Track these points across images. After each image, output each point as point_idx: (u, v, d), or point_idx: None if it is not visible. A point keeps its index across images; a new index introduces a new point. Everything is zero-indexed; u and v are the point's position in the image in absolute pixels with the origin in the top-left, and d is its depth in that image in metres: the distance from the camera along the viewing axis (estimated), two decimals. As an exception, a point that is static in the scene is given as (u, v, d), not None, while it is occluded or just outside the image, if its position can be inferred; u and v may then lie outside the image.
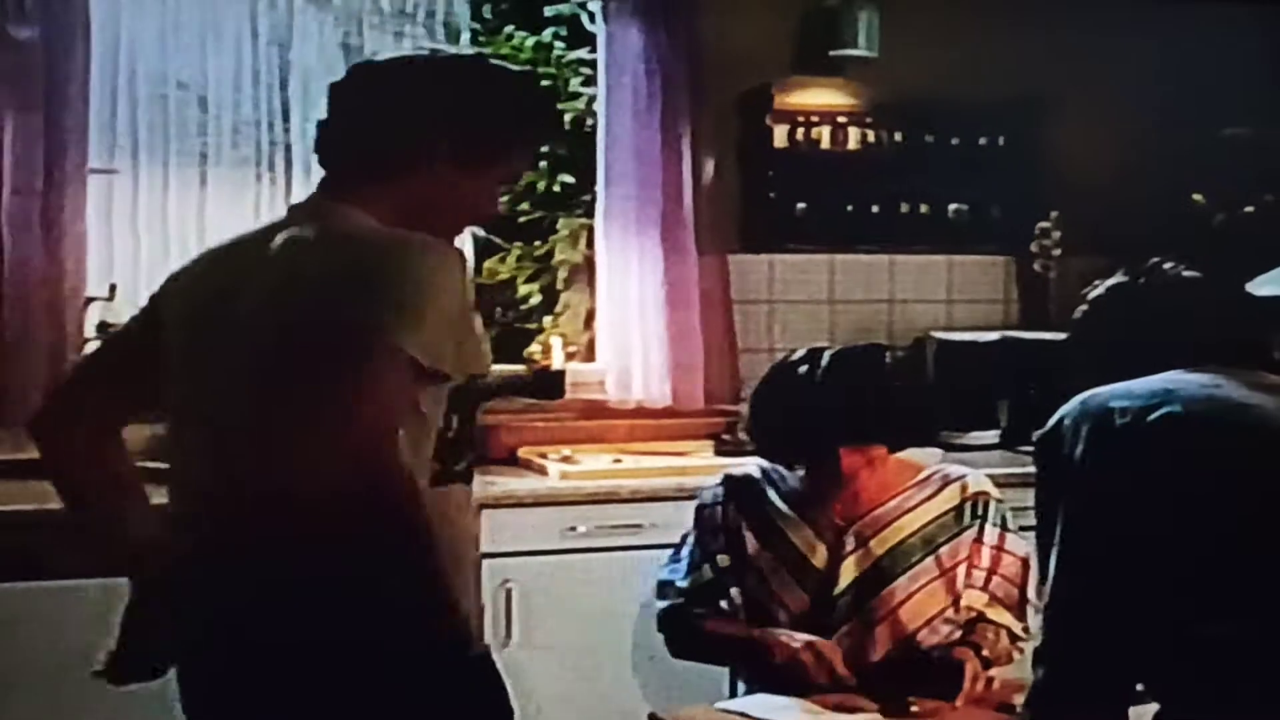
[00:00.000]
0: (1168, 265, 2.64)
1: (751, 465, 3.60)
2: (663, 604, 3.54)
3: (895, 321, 5.73)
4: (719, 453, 5.18)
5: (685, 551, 3.54)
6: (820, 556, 3.41)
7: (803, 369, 3.41)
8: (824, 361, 3.39)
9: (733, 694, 3.48)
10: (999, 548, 3.41)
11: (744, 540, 3.47)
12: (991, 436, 5.40)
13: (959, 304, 5.82)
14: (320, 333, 2.40)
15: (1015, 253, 5.78)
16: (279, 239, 2.56)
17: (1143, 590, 2.30)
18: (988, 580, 3.39)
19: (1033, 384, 5.25)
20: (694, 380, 5.34)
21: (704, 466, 4.84)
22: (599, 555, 4.59)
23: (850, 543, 3.40)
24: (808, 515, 3.46)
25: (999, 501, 3.46)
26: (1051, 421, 2.46)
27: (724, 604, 3.46)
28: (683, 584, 3.49)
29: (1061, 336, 5.25)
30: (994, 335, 5.55)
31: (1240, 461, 2.30)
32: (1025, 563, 3.36)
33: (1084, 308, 2.71)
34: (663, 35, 5.25)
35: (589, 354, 5.58)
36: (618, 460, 5.04)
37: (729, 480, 3.58)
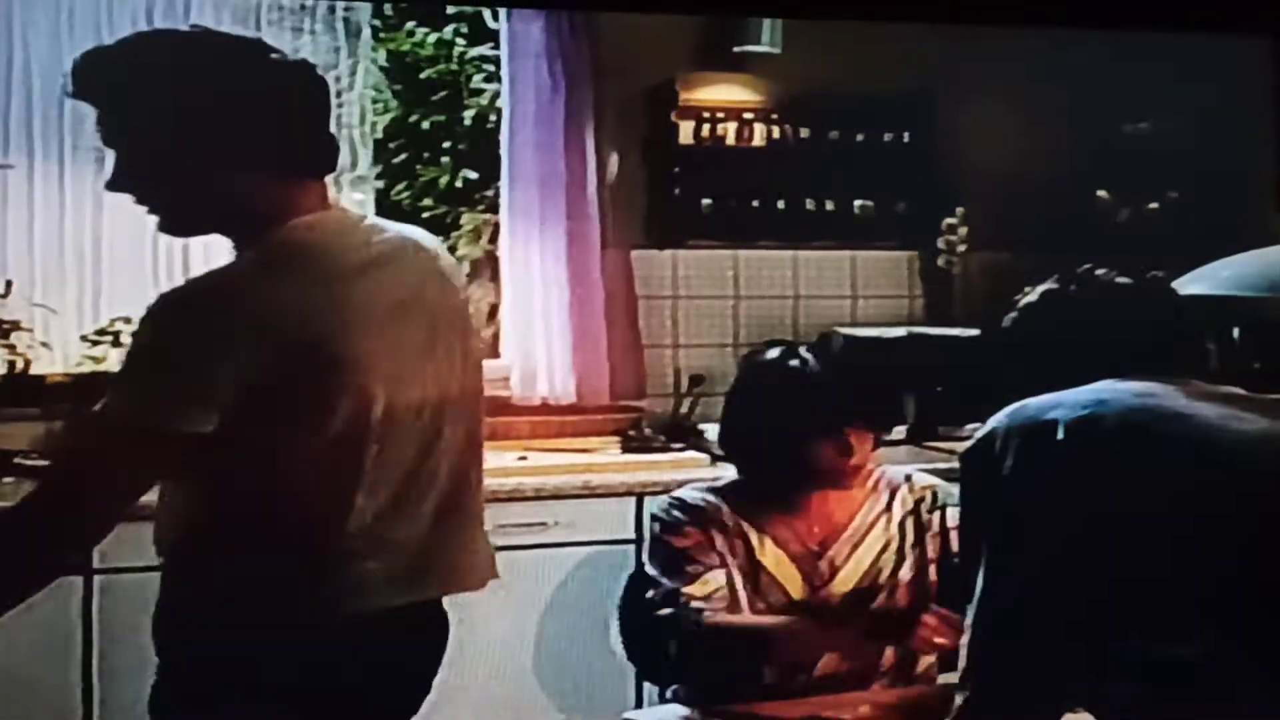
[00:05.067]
0: (1100, 271, 2.60)
1: (699, 491, 3.35)
2: (666, 610, 3.20)
3: (800, 317, 5.71)
4: (625, 450, 5.15)
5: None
6: (796, 586, 3.26)
7: (795, 360, 3.28)
8: (817, 349, 3.32)
9: (638, 704, 3.39)
10: None
11: (717, 574, 3.22)
12: (898, 432, 5.36)
13: (863, 299, 5.81)
14: None
15: (920, 248, 5.80)
16: None
17: (1076, 608, 2.26)
18: None
19: (939, 380, 5.25)
20: (599, 376, 5.31)
21: (610, 464, 4.85)
22: (502, 554, 4.50)
23: (827, 570, 3.28)
24: (779, 540, 3.29)
25: (945, 490, 3.39)
26: (980, 434, 2.38)
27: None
28: (689, 589, 3.19)
29: (966, 332, 5.39)
30: (900, 331, 5.55)
31: (1175, 474, 2.26)
32: None
33: (1014, 314, 2.65)
34: (565, 30, 5.22)
35: (493, 350, 5.50)
36: (522, 458, 4.98)
37: (688, 508, 3.30)
